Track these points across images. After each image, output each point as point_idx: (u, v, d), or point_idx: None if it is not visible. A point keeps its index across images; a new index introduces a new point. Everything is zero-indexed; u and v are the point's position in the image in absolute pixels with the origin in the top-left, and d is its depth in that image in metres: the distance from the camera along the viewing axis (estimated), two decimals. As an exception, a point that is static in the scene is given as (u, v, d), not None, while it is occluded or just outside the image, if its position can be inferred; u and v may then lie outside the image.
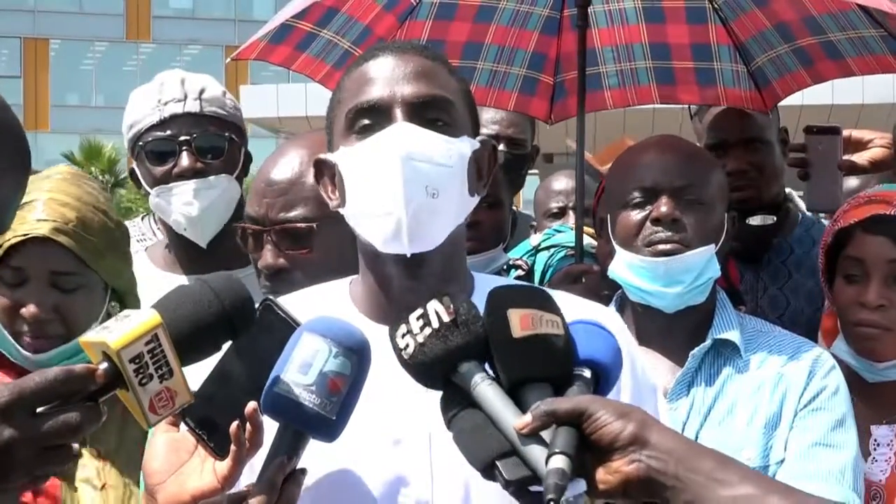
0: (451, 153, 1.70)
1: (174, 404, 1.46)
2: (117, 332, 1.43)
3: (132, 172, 3.00)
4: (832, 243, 2.50)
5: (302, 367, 1.49)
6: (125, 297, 2.48)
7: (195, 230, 2.87)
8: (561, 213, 4.29)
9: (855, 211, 2.47)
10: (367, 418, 1.58)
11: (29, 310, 2.31)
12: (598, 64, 3.44)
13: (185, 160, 2.83)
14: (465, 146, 1.73)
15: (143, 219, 3.52)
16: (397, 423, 1.64)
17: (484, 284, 1.80)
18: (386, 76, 1.72)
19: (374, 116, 1.70)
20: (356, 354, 1.52)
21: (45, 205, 2.33)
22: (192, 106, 2.86)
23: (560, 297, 1.85)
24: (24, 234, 2.29)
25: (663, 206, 2.33)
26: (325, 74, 3.18)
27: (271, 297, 1.61)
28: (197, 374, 1.55)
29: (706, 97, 3.34)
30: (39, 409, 1.37)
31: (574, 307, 1.81)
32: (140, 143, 2.89)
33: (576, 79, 3.27)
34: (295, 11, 2.95)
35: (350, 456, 1.62)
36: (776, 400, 2.29)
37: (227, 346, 1.57)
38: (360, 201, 1.70)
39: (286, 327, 1.57)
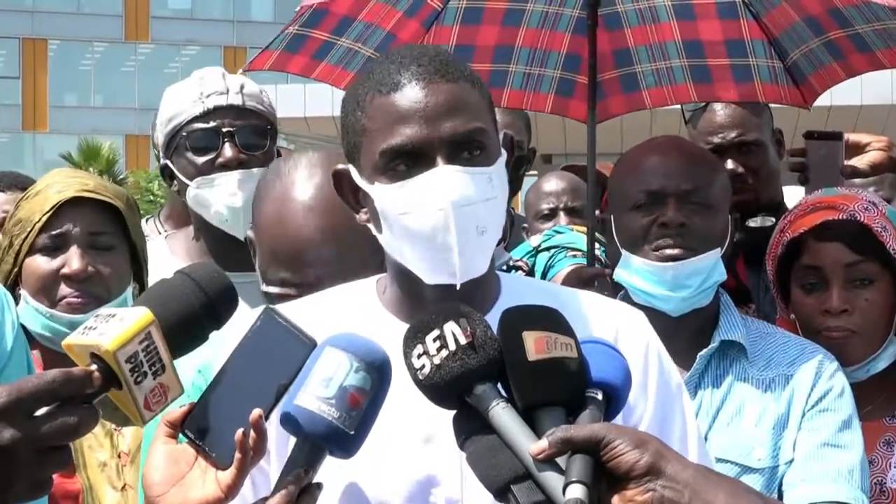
0: (492, 183, 1.68)
1: (167, 399, 1.47)
2: (110, 333, 1.43)
3: (165, 168, 2.98)
4: (783, 253, 2.52)
5: (322, 380, 1.50)
6: (143, 275, 2.57)
7: (236, 222, 2.85)
8: (552, 215, 4.28)
9: (803, 220, 2.49)
10: (396, 416, 1.58)
11: (72, 267, 2.41)
12: (634, 63, 3.41)
13: (228, 151, 2.83)
14: (501, 167, 1.72)
15: (147, 220, 3.50)
16: (427, 421, 1.63)
17: (511, 288, 1.79)
18: (419, 113, 1.65)
19: (412, 159, 1.66)
20: (377, 371, 1.53)
21: (59, 182, 2.47)
22: (235, 99, 2.87)
23: (586, 297, 1.83)
24: (54, 204, 2.42)
25: (670, 211, 2.33)
26: (350, 82, 3.15)
27: (272, 306, 1.61)
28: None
29: (744, 94, 3.31)
30: (38, 412, 1.37)
31: (600, 307, 1.81)
32: (182, 135, 2.89)
33: (615, 78, 3.25)
34: (299, 16, 2.93)
35: (380, 453, 1.62)
36: (783, 401, 2.29)
37: (224, 355, 1.58)
38: (406, 241, 1.68)
39: (287, 336, 1.56)
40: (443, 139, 1.65)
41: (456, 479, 1.65)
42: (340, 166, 1.79)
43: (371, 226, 1.75)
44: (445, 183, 1.64)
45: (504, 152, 1.74)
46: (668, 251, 2.33)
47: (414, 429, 1.66)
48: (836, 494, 2.19)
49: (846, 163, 2.91)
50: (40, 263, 2.42)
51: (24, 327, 2.26)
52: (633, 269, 2.37)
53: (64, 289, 2.41)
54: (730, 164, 3.11)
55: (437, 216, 1.64)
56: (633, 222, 2.37)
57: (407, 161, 1.66)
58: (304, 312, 1.63)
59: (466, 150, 1.67)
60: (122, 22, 45.02)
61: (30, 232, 2.42)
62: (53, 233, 2.42)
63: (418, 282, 1.72)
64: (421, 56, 1.71)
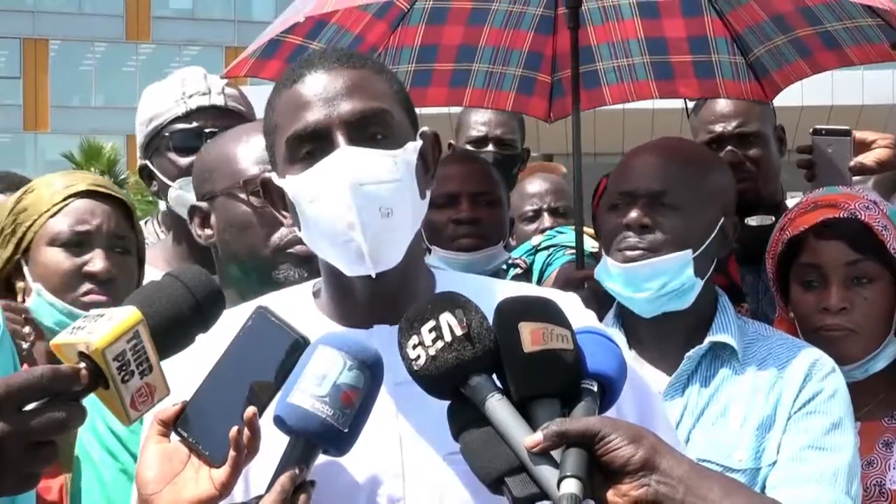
0: (397, 166, 1.68)
1: (153, 399, 1.49)
2: (99, 331, 1.44)
3: (144, 168, 2.98)
4: (783, 251, 2.51)
5: (316, 378, 1.51)
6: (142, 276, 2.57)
7: None
8: (536, 216, 4.26)
9: (803, 217, 2.49)
10: None
11: (97, 266, 2.43)
12: (595, 61, 3.44)
13: None
14: (409, 153, 1.71)
15: (145, 223, 3.49)
16: (369, 421, 1.63)
17: (446, 283, 1.80)
18: (319, 96, 1.68)
19: (315, 142, 1.68)
20: (370, 369, 1.54)
21: (68, 177, 2.50)
22: (217, 100, 2.89)
23: (524, 290, 1.82)
24: (72, 193, 2.45)
25: (632, 212, 2.31)
26: None
27: (264, 305, 1.62)
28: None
29: (705, 90, 3.35)
30: (26, 407, 1.38)
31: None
32: (164, 135, 2.90)
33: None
34: (283, 28, 2.91)
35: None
36: (770, 402, 2.27)
37: (217, 353, 1.58)
38: (317, 230, 1.69)
39: (280, 334, 1.58)
40: (342, 117, 1.67)
41: (398, 478, 1.66)
42: (266, 175, 1.79)
43: (296, 229, 1.76)
44: (345, 163, 1.65)
45: (420, 141, 1.74)
46: (628, 252, 2.32)
47: None
48: (815, 497, 2.15)
49: (854, 159, 2.92)
50: (61, 259, 2.43)
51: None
52: (606, 270, 2.37)
53: (87, 285, 2.42)
54: (730, 155, 3.12)
55: (338, 198, 1.64)
56: (608, 223, 2.38)
57: (309, 145, 1.68)
58: (241, 318, 1.62)
59: (369, 130, 1.68)
60: (124, 22, 45.01)
61: (36, 220, 2.43)
62: (79, 229, 2.44)
63: (345, 279, 1.72)
64: (326, 52, 1.75)
